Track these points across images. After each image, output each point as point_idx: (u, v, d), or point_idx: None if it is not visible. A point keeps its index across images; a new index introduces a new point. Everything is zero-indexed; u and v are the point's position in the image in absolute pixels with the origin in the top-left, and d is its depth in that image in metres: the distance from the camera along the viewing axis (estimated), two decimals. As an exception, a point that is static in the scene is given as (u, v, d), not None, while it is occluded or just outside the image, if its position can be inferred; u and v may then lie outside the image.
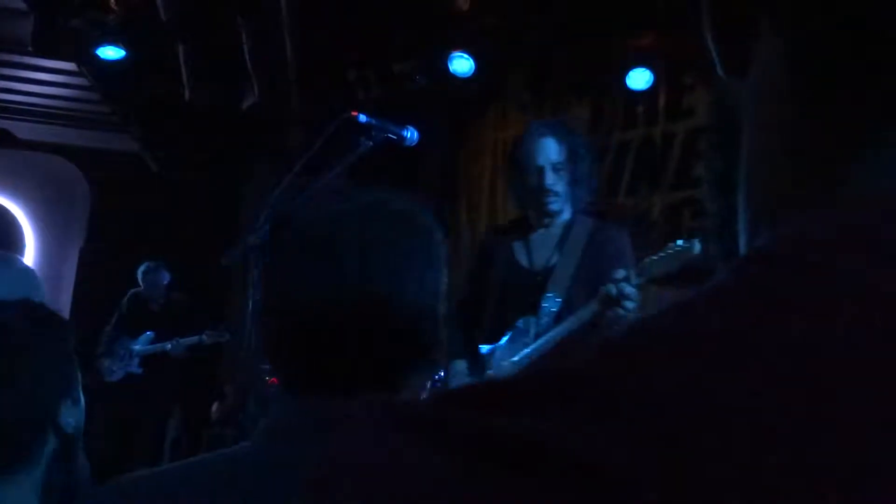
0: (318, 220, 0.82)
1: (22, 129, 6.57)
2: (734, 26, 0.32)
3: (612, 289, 2.15)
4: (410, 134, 1.93)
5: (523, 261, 2.53)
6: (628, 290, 2.15)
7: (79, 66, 5.11)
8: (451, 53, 4.42)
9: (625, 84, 4.37)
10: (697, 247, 2.18)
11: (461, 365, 2.51)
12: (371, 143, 1.85)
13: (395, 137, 1.90)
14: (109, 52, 4.70)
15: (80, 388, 1.09)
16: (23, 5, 4.58)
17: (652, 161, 4.56)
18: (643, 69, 4.29)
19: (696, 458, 0.20)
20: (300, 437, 0.75)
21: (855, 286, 0.22)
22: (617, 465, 0.20)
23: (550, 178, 2.42)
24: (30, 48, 4.89)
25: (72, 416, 1.03)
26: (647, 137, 4.62)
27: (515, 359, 2.40)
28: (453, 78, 4.48)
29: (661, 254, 2.22)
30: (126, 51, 4.69)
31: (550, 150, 2.43)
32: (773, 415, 0.20)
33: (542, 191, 2.43)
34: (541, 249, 2.52)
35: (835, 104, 0.28)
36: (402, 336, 0.79)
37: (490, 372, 2.44)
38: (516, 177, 2.50)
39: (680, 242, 2.22)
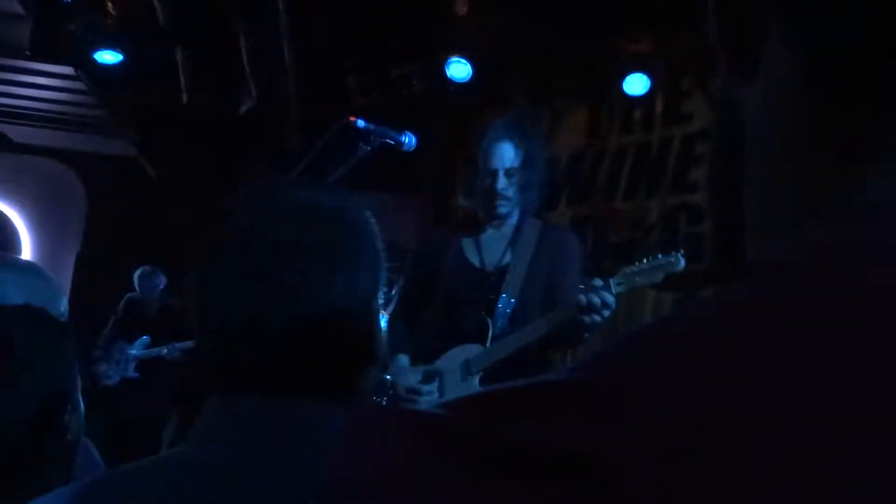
0: (246, 221, 0.81)
1: (19, 133, 6.56)
2: (742, 30, 0.32)
3: (592, 297, 2.15)
4: (408, 139, 1.93)
5: (474, 259, 2.54)
6: (609, 298, 2.17)
7: (76, 71, 5.11)
8: (448, 58, 4.42)
9: (622, 89, 4.38)
10: (682, 263, 2.20)
11: (403, 359, 2.50)
12: (369, 148, 1.85)
13: (393, 142, 1.91)
14: (107, 57, 4.70)
15: (79, 393, 1.09)
16: (21, 9, 4.58)
17: (649, 166, 4.57)
18: (641, 74, 4.30)
19: (718, 471, 0.20)
20: (238, 438, 0.74)
21: (881, 296, 0.22)
22: (626, 472, 0.20)
23: (502, 183, 2.44)
24: (27, 52, 4.89)
25: (72, 422, 1.03)
26: (645, 142, 4.63)
27: (470, 357, 2.40)
28: (451, 83, 4.49)
29: (646, 265, 2.23)
30: (124, 55, 4.68)
31: (506, 154, 2.44)
32: (803, 429, 0.20)
33: (492, 194, 2.46)
34: (492, 249, 2.54)
35: (849, 111, 0.28)
36: (334, 336, 0.78)
37: (437, 369, 2.43)
38: (471, 177, 2.53)
39: (662, 256, 2.24)
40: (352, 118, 1.84)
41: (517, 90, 4.95)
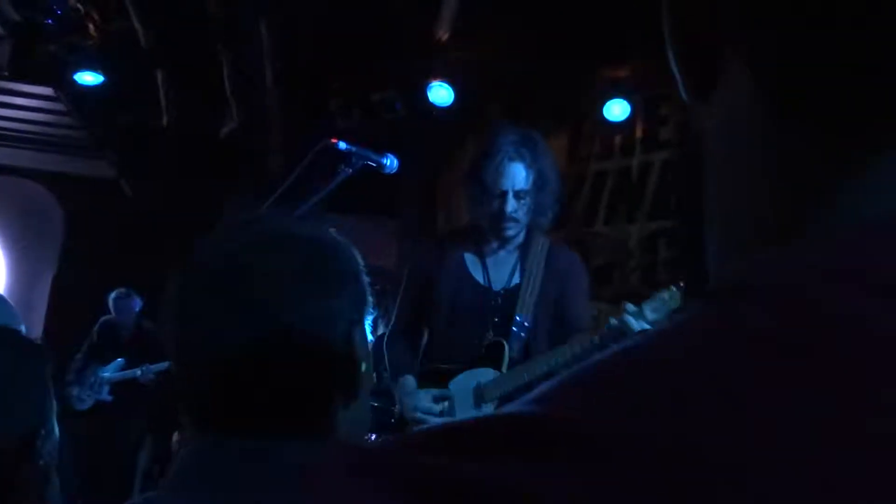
0: (215, 252, 0.80)
1: (-4, 154, 6.50)
2: (699, 51, 0.31)
3: (630, 321, 2.11)
4: (390, 161, 1.92)
5: (479, 277, 2.44)
6: (644, 326, 2.11)
7: (56, 91, 5.09)
8: (430, 83, 4.45)
9: (602, 115, 4.42)
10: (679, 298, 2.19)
11: (411, 381, 2.39)
12: (350, 171, 1.84)
13: (374, 165, 1.90)
14: (87, 78, 4.69)
15: (54, 417, 1.07)
16: (0, 29, 4.56)
17: (629, 191, 4.61)
18: (620, 100, 4.35)
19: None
20: (210, 485, 0.73)
21: (828, 319, 0.22)
22: None
23: (511, 206, 2.33)
24: (6, 72, 4.86)
25: (45, 447, 1.01)
26: (625, 168, 4.67)
27: (482, 382, 2.32)
28: (433, 108, 4.51)
29: (656, 302, 2.18)
30: (104, 76, 4.68)
31: (517, 176, 2.33)
32: (754, 453, 0.19)
33: (501, 216, 2.34)
34: (499, 269, 2.44)
35: (804, 132, 0.28)
36: (307, 367, 0.76)
37: (448, 393, 2.36)
38: (477, 193, 2.39)
39: (666, 292, 2.20)
40: (333, 140, 1.83)
41: (498, 115, 4.98)
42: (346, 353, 0.79)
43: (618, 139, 4.70)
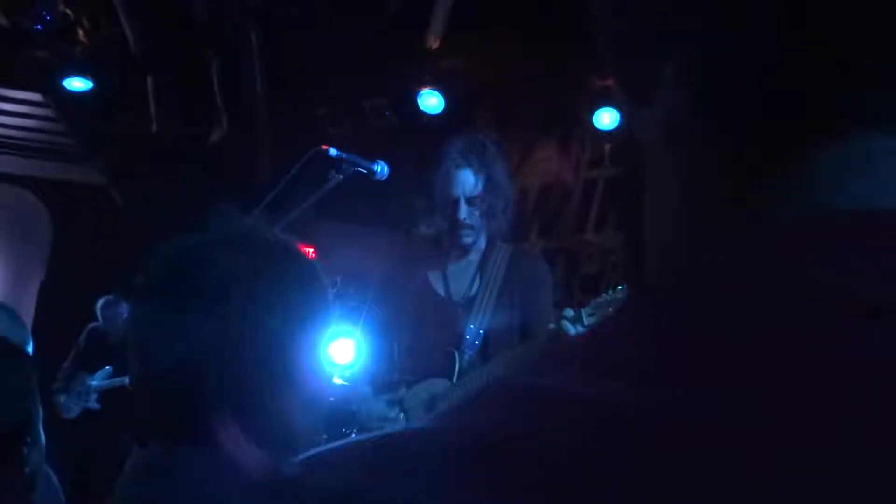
0: (174, 258, 0.80)
1: (-16, 160, 6.47)
2: (634, 57, 0.31)
3: (565, 328, 2.12)
4: (381, 168, 1.92)
5: (440, 289, 2.43)
6: (581, 330, 2.12)
7: (45, 97, 5.06)
8: (420, 91, 4.46)
9: (592, 123, 4.43)
10: None
11: (366, 390, 2.38)
12: (341, 177, 1.84)
13: (365, 171, 1.90)
14: (76, 84, 4.66)
15: (41, 425, 1.06)
16: (-12, 35, 4.54)
17: (618, 199, 4.63)
18: (610, 108, 4.37)
19: None
20: (160, 490, 0.72)
21: (745, 319, 0.22)
22: None
23: (464, 212, 2.33)
24: (-6, 78, 4.84)
25: (31, 455, 1.00)
26: (614, 176, 4.68)
27: (436, 393, 2.31)
28: (423, 115, 4.52)
29: (615, 295, 2.22)
30: (93, 82, 4.66)
31: (466, 182, 2.33)
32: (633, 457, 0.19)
33: (455, 224, 2.35)
34: (459, 278, 2.43)
35: (735, 134, 0.28)
36: (248, 372, 0.75)
37: (403, 403, 2.34)
38: (428, 204, 2.42)
39: (621, 287, 2.23)
40: (324, 147, 1.83)
41: (488, 123, 4.99)
42: (306, 357, 0.78)
43: (607, 147, 4.71)
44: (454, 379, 2.32)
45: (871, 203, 0.26)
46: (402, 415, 2.34)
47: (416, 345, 2.40)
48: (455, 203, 2.33)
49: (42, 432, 1.06)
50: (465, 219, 2.33)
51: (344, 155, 1.85)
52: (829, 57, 0.26)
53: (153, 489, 0.73)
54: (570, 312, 2.17)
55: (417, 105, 4.49)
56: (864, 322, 0.21)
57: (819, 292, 0.22)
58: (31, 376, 1.08)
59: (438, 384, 2.33)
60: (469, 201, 2.33)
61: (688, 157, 0.30)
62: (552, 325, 2.17)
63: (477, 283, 2.41)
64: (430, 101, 4.49)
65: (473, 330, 2.35)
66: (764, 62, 0.27)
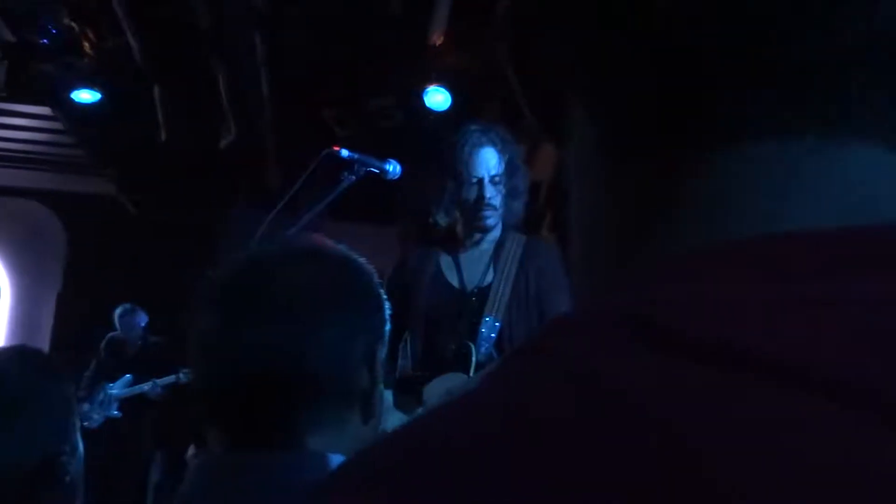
0: (246, 263, 0.81)
1: (-4, 175, 6.52)
2: (544, 95, 0.31)
3: None
4: (393, 167, 1.92)
5: (453, 280, 2.36)
6: None
7: (53, 110, 5.10)
8: (426, 88, 4.46)
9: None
10: None
11: (388, 396, 2.32)
12: (354, 178, 1.85)
13: (377, 171, 1.90)
14: (84, 96, 4.69)
15: (78, 435, 1.07)
16: (-4, 51, 4.58)
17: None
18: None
19: None
20: (229, 494, 0.73)
21: (562, 371, 0.21)
22: None
23: (490, 191, 2.26)
24: (4, 94, 4.87)
25: (71, 463, 1.01)
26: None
27: (452, 388, 2.25)
28: (430, 112, 4.52)
29: None
30: (101, 94, 4.68)
31: (490, 160, 2.26)
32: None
33: (480, 204, 2.27)
34: (472, 268, 2.36)
35: (632, 168, 0.27)
36: (330, 384, 0.76)
37: (424, 402, 2.29)
38: (451, 186, 2.30)
39: None
40: (336, 148, 1.84)
41: (496, 117, 4.99)
42: (368, 369, 0.79)
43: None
44: (471, 373, 2.27)
45: (772, 221, 0.24)
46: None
47: (431, 338, 2.35)
48: (480, 182, 2.26)
49: (80, 440, 1.07)
50: (490, 198, 2.27)
51: (356, 156, 1.85)
52: (714, 53, 0.24)
53: (215, 494, 0.74)
54: None
55: (424, 102, 4.49)
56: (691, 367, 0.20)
57: (662, 336, 0.21)
58: (67, 386, 1.09)
59: (455, 378, 2.28)
60: (493, 180, 2.27)
61: (593, 194, 0.29)
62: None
63: (491, 272, 2.35)
64: (437, 98, 4.49)
65: (489, 322, 2.29)
66: (653, 91, 0.26)
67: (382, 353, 0.82)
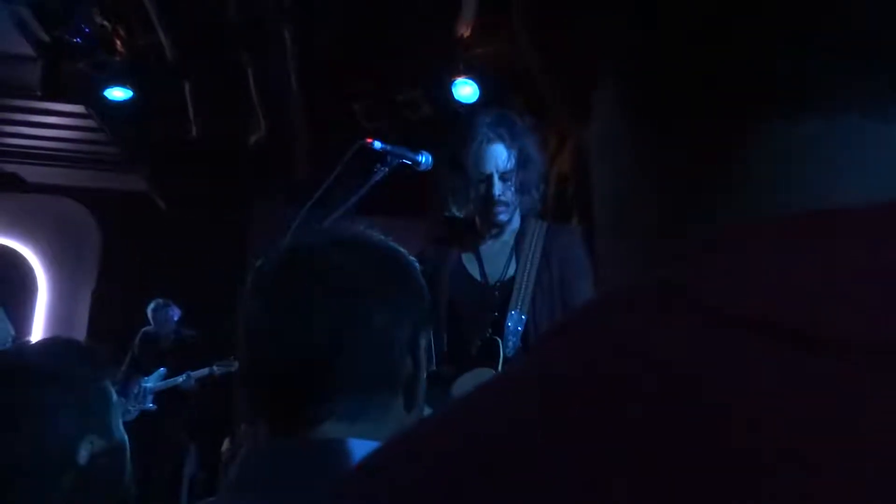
0: (296, 249, 0.81)
1: (31, 173, 6.63)
2: (568, 77, 0.30)
3: None
4: (425, 159, 1.92)
5: (475, 274, 2.33)
6: None
7: (87, 109, 5.17)
8: (455, 80, 4.45)
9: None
10: None
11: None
12: (387, 169, 1.85)
13: (410, 163, 1.90)
14: (117, 93, 4.76)
15: (116, 424, 1.08)
16: (30, 51, 4.65)
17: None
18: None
19: None
20: (280, 479, 0.73)
21: (620, 350, 0.20)
22: None
23: (499, 188, 2.23)
24: (38, 93, 4.95)
25: (86, 450, 1.02)
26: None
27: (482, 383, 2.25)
28: (459, 105, 4.51)
29: None
30: (133, 91, 4.74)
31: (499, 156, 2.23)
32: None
33: (489, 201, 2.24)
34: (494, 261, 2.33)
35: (670, 145, 0.26)
36: (377, 370, 0.77)
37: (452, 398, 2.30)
38: (461, 183, 2.28)
39: None
40: (369, 140, 1.84)
41: (524, 109, 4.97)
42: (411, 357, 0.80)
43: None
44: (499, 367, 2.24)
45: (822, 197, 0.23)
46: None
47: (455, 334, 2.32)
48: (489, 179, 2.23)
49: (120, 430, 1.09)
50: (500, 195, 2.24)
51: (389, 147, 1.85)
52: (765, 26, 0.24)
53: (260, 481, 0.74)
54: None
55: (452, 95, 4.49)
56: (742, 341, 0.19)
57: (712, 311, 0.20)
58: (102, 373, 1.10)
59: (484, 374, 2.24)
60: (503, 176, 2.24)
61: (622, 170, 0.28)
62: None
63: (513, 264, 2.31)
64: (465, 90, 4.48)
65: (515, 316, 2.26)
66: (686, 63, 0.25)
67: (425, 341, 0.82)
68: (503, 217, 2.28)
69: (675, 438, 0.18)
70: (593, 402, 0.19)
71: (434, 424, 0.22)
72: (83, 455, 1.04)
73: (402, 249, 0.85)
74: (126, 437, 1.09)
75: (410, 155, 1.90)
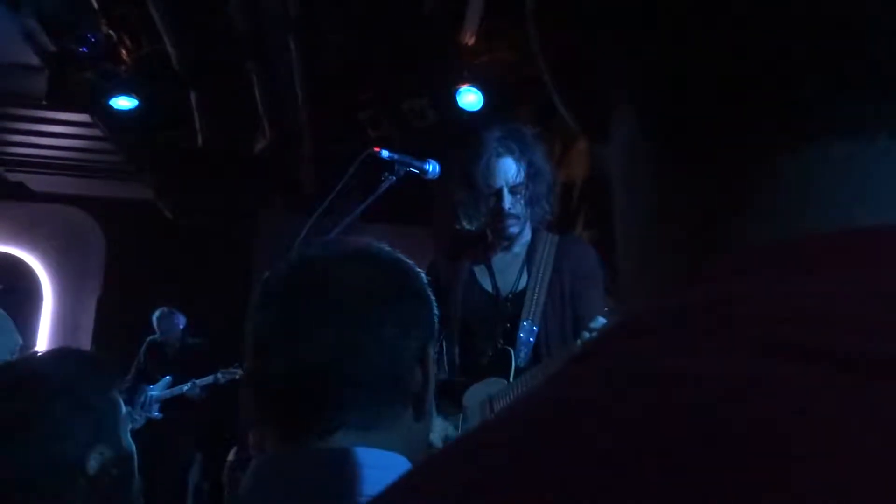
0: (303, 262, 0.82)
1: (37, 182, 6.65)
2: (584, 94, 0.30)
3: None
4: (432, 167, 1.93)
5: (487, 286, 2.36)
6: None
7: (92, 118, 5.19)
8: (459, 88, 4.46)
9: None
10: None
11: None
12: (394, 178, 1.85)
13: (417, 171, 1.91)
14: (122, 102, 4.77)
15: (124, 434, 1.09)
16: (37, 60, 4.67)
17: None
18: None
19: None
20: (291, 488, 0.73)
21: (642, 372, 0.20)
22: None
23: (508, 201, 2.25)
24: (44, 101, 4.97)
25: (95, 460, 1.02)
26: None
27: (492, 393, 2.25)
28: (463, 113, 4.52)
29: None
30: (139, 100, 4.76)
31: (509, 170, 2.25)
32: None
33: (499, 215, 2.26)
34: (506, 273, 2.35)
35: (691, 169, 0.26)
36: (385, 381, 0.77)
37: (464, 407, 2.28)
38: (470, 197, 2.30)
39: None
40: (376, 149, 1.84)
41: (529, 117, 4.98)
42: (420, 368, 0.80)
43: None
44: (510, 378, 2.26)
45: (853, 217, 0.23)
46: (463, 422, 2.29)
47: (467, 345, 2.35)
48: (498, 193, 2.25)
49: (127, 440, 1.09)
50: (509, 208, 2.26)
51: (396, 156, 1.86)
52: (797, 54, 0.24)
53: (269, 492, 0.74)
54: (601, 321, 2.06)
55: (456, 103, 4.49)
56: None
57: (744, 335, 0.20)
58: (110, 384, 1.10)
59: (495, 384, 2.27)
60: (512, 190, 2.26)
61: (647, 192, 0.28)
62: (586, 334, 2.08)
63: (525, 276, 2.34)
64: (469, 98, 4.49)
65: (527, 327, 2.28)
66: (705, 86, 0.25)
67: (434, 352, 0.82)
68: (513, 230, 2.31)
69: (721, 472, 0.17)
70: (625, 430, 0.18)
71: (458, 453, 0.21)
72: (93, 465, 1.04)
73: (410, 261, 0.86)
74: (134, 447, 1.09)
75: (418, 163, 1.91)
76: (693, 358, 0.20)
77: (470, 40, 4.50)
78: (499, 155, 2.26)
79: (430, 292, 0.84)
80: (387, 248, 0.85)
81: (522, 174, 2.27)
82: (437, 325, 0.84)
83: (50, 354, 1.13)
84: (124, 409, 1.11)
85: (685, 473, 0.17)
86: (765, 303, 0.21)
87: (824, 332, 0.19)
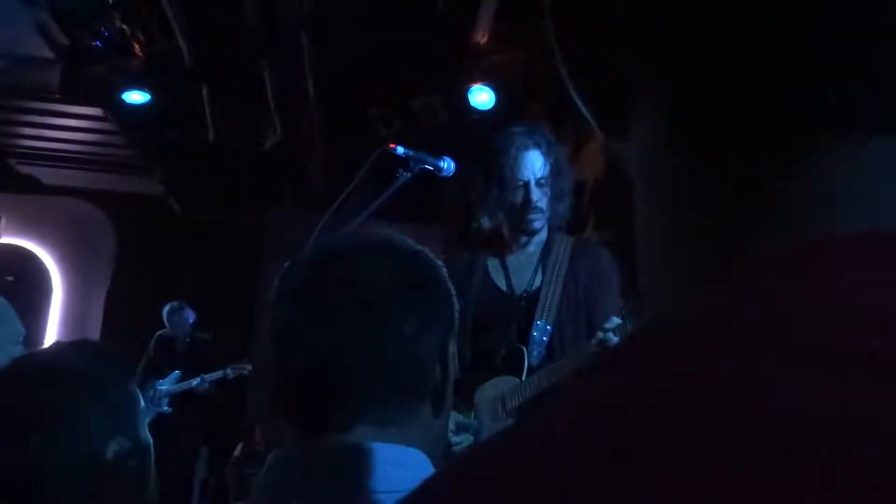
0: (325, 254, 0.81)
1: (48, 175, 6.68)
2: (603, 90, 0.29)
3: (610, 336, 2.01)
4: (447, 164, 1.92)
5: (501, 284, 2.35)
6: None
7: (104, 112, 5.21)
8: (471, 86, 4.46)
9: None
10: None
11: None
12: (409, 175, 1.85)
13: (432, 168, 1.90)
14: (135, 97, 4.79)
15: (142, 427, 1.09)
16: (50, 54, 4.69)
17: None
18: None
19: None
20: (309, 482, 0.73)
21: (656, 377, 0.20)
22: None
23: (536, 194, 2.23)
24: (57, 95, 4.99)
25: (114, 451, 1.02)
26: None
27: (504, 391, 2.25)
28: (475, 111, 4.52)
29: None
30: (151, 95, 4.77)
31: (536, 163, 2.24)
32: None
33: (526, 208, 2.24)
34: (520, 272, 2.34)
35: (717, 168, 0.26)
36: (406, 375, 0.77)
37: (475, 405, 2.29)
38: (495, 191, 2.28)
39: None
40: (391, 146, 1.84)
41: (540, 116, 4.97)
42: (440, 363, 0.79)
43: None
44: (523, 376, 2.25)
45: (874, 222, 0.23)
46: (474, 421, 2.29)
47: (480, 343, 2.34)
48: (526, 185, 2.24)
49: (143, 433, 1.09)
50: (537, 201, 2.24)
51: (411, 153, 1.85)
52: (825, 49, 0.23)
53: (287, 486, 0.75)
54: (616, 322, 2.05)
55: (468, 101, 4.49)
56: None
57: (775, 340, 0.19)
58: (127, 377, 1.11)
59: (505, 382, 2.27)
60: (538, 183, 2.25)
61: (670, 194, 0.28)
62: (601, 334, 2.06)
63: (539, 275, 2.33)
64: (481, 97, 4.48)
65: (541, 326, 2.27)
66: (734, 86, 0.25)
67: (453, 347, 0.82)
68: (538, 224, 2.29)
69: (775, 474, 0.16)
70: (659, 438, 0.18)
71: (489, 456, 0.21)
72: (111, 457, 1.04)
73: (431, 254, 0.85)
74: (151, 440, 1.10)
75: (432, 160, 1.91)
76: (733, 361, 0.19)
77: (482, 39, 4.49)
78: (526, 147, 2.25)
79: (451, 286, 0.84)
80: (408, 240, 0.84)
81: (548, 168, 2.26)
82: (457, 321, 0.84)
83: (70, 346, 1.13)
84: (142, 401, 1.11)
85: (743, 485, 0.17)
86: (793, 305, 0.20)
87: (855, 334, 0.19)
